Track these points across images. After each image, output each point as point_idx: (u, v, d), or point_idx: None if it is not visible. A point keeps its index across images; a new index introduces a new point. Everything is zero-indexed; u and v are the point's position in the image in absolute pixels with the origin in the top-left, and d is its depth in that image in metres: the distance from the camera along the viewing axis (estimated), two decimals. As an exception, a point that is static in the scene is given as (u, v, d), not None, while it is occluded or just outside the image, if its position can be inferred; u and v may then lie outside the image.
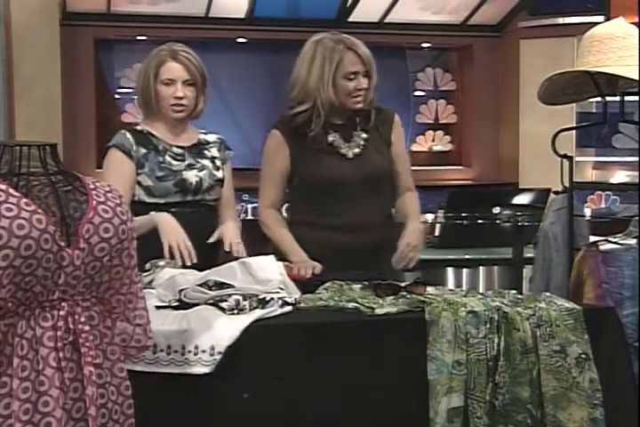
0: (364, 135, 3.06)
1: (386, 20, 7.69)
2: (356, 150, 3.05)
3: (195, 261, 2.78)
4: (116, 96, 7.58)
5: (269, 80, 8.07)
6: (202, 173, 3.06)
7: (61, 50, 6.74)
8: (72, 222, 1.70)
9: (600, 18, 6.28)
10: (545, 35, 7.41)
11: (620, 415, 2.36)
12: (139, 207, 2.93)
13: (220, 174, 3.11)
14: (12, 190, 1.64)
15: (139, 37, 7.20)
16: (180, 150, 3.08)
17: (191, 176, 3.04)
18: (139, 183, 3.01)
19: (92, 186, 1.77)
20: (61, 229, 1.68)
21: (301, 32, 7.51)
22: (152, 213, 2.94)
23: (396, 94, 7.52)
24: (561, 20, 7.38)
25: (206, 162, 3.10)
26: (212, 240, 2.96)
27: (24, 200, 1.64)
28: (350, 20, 7.62)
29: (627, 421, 2.38)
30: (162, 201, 3.01)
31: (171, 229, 2.85)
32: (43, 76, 6.60)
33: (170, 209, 3.00)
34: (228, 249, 2.92)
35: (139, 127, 3.12)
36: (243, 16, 7.41)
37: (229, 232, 2.98)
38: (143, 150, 3.03)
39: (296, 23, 7.50)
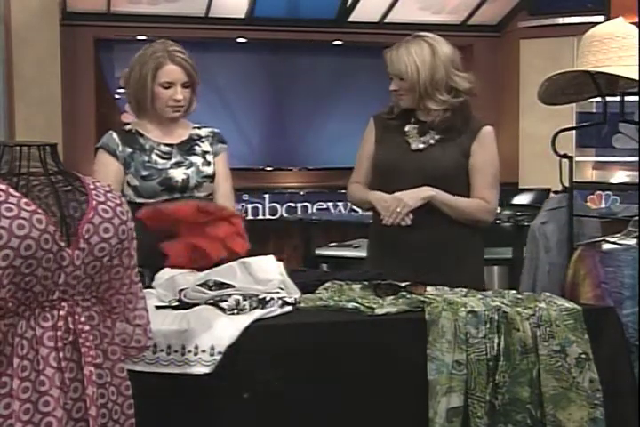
0: (437, 136, 3.07)
1: (386, 20, 7.70)
2: (421, 146, 3.07)
3: None
4: (116, 96, 7.58)
5: (269, 80, 8.09)
6: (189, 171, 3.04)
7: (61, 50, 6.75)
8: (72, 222, 1.70)
9: (600, 18, 6.29)
10: (545, 35, 7.42)
11: (619, 415, 2.36)
12: (131, 207, 2.91)
13: (209, 170, 3.08)
14: (12, 190, 1.64)
15: (139, 37, 7.20)
16: (167, 148, 3.06)
17: (177, 174, 3.02)
18: (127, 184, 3.01)
19: (92, 186, 1.77)
20: (61, 229, 1.68)
21: (301, 32, 7.61)
22: None
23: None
24: (561, 20, 7.39)
25: (195, 158, 3.07)
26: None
27: (24, 200, 1.64)
28: (350, 20, 7.64)
29: (627, 421, 2.37)
30: (151, 201, 2.99)
31: None
32: (43, 76, 6.60)
33: None
34: None
35: (127, 127, 3.11)
36: (243, 16, 7.41)
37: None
38: (129, 150, 3.03)
39: (296, 23, 7.52)
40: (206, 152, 3.11)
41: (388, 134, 3.14)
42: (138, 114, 3.12)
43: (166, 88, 3.01)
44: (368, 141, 3.19)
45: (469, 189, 3.05)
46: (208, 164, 3.09)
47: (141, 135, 3.07)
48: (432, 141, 3.07)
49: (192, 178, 3.04)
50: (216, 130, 3.18)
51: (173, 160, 3.05)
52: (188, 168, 3.05)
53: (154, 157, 3.03)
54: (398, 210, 2.95)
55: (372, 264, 3.16)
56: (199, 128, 3.15)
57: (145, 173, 3.00)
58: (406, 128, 3.10)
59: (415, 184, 3.00)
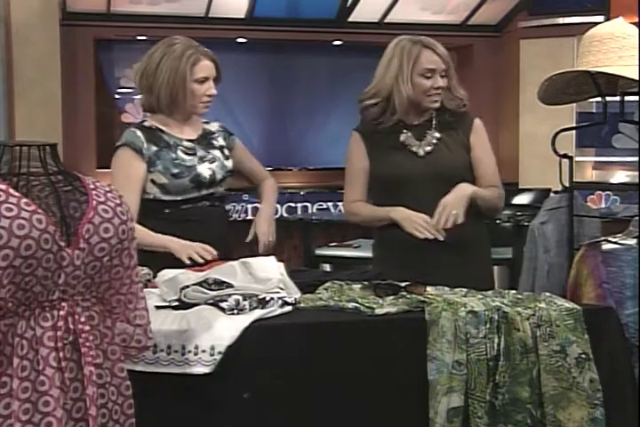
0: (437, 135, 3.06)
1: (386, 20, 7.69)
2: (428, 148, 3.06)
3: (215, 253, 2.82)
4: (116, 96, 7.58)
5: (269, 80, 8.08)
6: (213, 166, 3.06)
7: (61, 50, 6.74)
8: (72, 222, 1.70)
9: (600, 18, 6.30)
10: (545, 35, 7.42)
11: (619, 415, 2.36)
12: (155, 205, 2.94)
13: (229, 165, 3.11)
14: (12, 190, 1.64)
15: (139, 37, 7.20)
16: (190, 144, 3.06)
17: (204, 170, 3.03)
18: (153, 181, 2.98)
19: (92, 186, 1.77)
20: (61, 229, 1.68)
21: (301, 32, 7.62)
22: (159, 236, 2.88)
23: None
24: (561, 20, 7.39)
25: (216, 152, 3.10)
26: (249, 239, 3.12)
27: (24, 200, 1.64)
28: (350, 20, 7.63)
29: (627, 421, 2.37)
30: (179, 198, 2.99)
31: (181, 246, 2.82)
32: (43, 76, 6.60)
33: (185, 205, 3.00)
34: (261, 251, 3.01)
35: (147, 124, 3.07)
36: (243, 16, 7.41)
37: (263, 229, 3.13)
38: (154, 148, 3.00)
39: (296, 23, 7.51)
40: (223, 147, 3.14)
41: (382, 150, 3.08)
42: (168, 112, 3.05)
43: (202, 83, 3.02)
44: (359, 156, 3.12)
45: (473, 182, 3.06)
46: (227, 158, 3.12)
47: (162, 132, 3.05)
48: (434, 141, 3.07)
49: (217, 173, 3.06)
50: (221, 123, 3.22)
51: (198, 155, 3.06)
52: (211, 163, 3.06)
53: (179, 153, 3.03)
54: (454, 212, 2.88)
55: (377, 265, 3.14)
56: (207, 123, 3.18)
57: (175, 170, 2.99)
58: (401, 138, 3.07)
59: (427, 190, 2.97)
